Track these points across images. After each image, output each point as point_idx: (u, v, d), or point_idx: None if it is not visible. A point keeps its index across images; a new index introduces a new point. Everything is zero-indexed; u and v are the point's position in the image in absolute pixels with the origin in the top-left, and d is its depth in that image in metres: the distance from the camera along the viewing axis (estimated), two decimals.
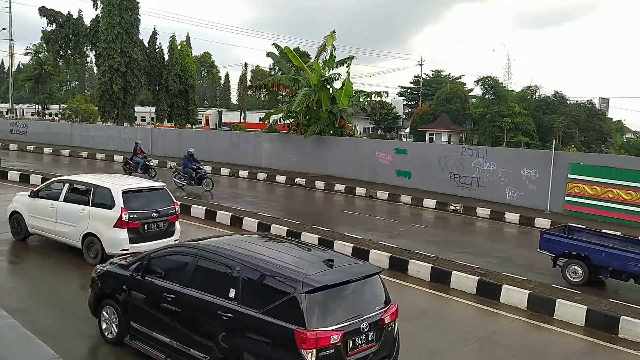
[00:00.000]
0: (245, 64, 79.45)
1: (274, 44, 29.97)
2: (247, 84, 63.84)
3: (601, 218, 17.56)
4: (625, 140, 44.71)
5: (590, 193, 18.00)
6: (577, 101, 54.67)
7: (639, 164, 18.33)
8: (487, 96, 52.75)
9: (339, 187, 23.10)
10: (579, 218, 17.60)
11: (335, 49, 28.50)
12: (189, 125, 50.44)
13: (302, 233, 13.22)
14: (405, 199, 20.92)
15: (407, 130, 65.94)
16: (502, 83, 51.94)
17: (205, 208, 15.79)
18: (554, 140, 23.53)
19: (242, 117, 63.79)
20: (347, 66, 28.24)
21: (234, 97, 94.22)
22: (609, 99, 72.25)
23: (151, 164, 22.82)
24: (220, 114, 70.23)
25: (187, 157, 20.61)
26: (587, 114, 51.84)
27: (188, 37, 70.36)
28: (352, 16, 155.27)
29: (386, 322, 5.69)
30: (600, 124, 52.50)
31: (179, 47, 49.08)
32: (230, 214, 15.15)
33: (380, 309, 5.70)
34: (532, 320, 9.10)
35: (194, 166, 20.44)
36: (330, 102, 27.81)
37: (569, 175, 18.59)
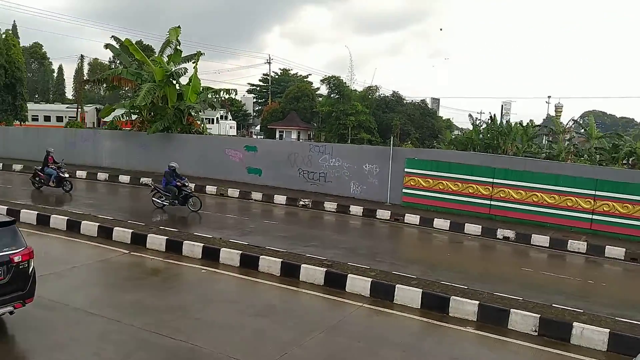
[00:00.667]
0: (82, 56, 73.93)
1: (112, 36, 28.12)
2: (84, 78, 59.32)
3: (433, 208, 19.24)
4: (453, 136, 49.39)
5: (424, 185, 19.62)
6: (412, 101, 59.26)
7: (465, 158, 20.44)
8: (332, 95, 54.98)
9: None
10: (415, 208, 19.13)
11: (180, 44, 27.60)
12: (17, 123, 45.55)
13: (149, 235, 12.66)
14: (256, 196, 21.02)
15: (258, 127, 66.32)
16: (345, 83, 54.48)
17: (37, 213, 14.41)
18: (392, 137, 25.25)
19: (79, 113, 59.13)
20: (194, 62, 27.49)
21: (69, 92, 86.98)
22: (439, 99, 79.40)
23: (66, 175, 19.75)
24: (98, 111, 60.52)
25: (169, 173, 17.66)
26: (421, 113, 56.42)
27: (15, 26, 63.47)
28: (200, 13, 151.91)
29: (15, 261, 7.04)
30: (433, 121, 57.53)
31: (3, 36, 44.03)
32: (67, 217, 13.98)
33: (10, 251, 7.03)
34: (375, 306, 9.67)
35: (177, 183, 17.50)
36: (177, 99, 26.92)
37: (406, 170, 20.06)
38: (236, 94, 34.25)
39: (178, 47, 27.52)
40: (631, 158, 33.07)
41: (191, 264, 11.58)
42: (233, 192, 21.51)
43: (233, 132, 62.92)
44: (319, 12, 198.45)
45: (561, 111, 61.17)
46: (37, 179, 20.00)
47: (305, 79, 70.93)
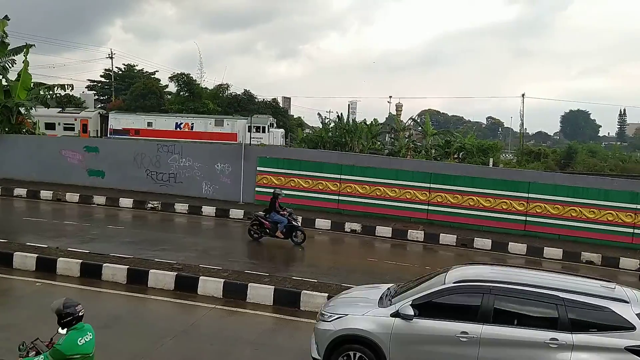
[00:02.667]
0: None
1: None
2: None
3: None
4: (305, 134, 50.73)
5: (277, 183, 19.87)
6: (263, 99, 59.75)
7: (315, 156, 21.10)
8: (182, 93, 53.42)
9: (20, 191, 20.36)
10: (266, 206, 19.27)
11: (7, 36, 24.86)
12: None
13: None
14: (99, 199, 19.68)
15: None
16: (196, 80, 53.26)
17: None
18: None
19: None
20: (24, 55, 24.91)
21: None
22: (290, 98, 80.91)
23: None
24: (103, 117, 44.79)
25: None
26: (273, 111, 57.08)
27: None
28: (30, 2, 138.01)
29: None
30: (285, 120, 58.50)
31: None
32: None
33: None
34: (228, 306, 9.61)
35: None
36: (4, 96, 24.22)
37: (258, 168, 20.18)
38: (72, 90, 31.71)
39: (5, 39, 24.72)
40: (461, 152, 36.69)
41: (24, 277, 10.52)
42: (72, 197, 19.91)
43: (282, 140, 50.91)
44: (164, 7, 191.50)
45: (401, 110, 65.71)
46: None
47: (152, 76, 67.97)
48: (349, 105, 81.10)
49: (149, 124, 42.33)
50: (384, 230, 17.15)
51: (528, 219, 17.77)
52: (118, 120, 42.74)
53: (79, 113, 43.43)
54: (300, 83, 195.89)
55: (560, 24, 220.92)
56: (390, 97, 74.04)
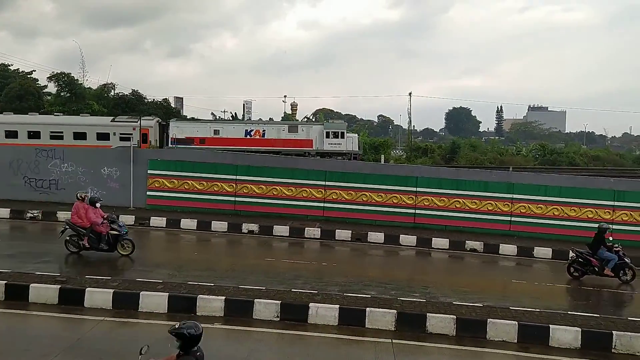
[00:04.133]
0: None
1: None
2: None
3: (180, 208, 19.01)
4: None
5: (169, 186, 19.27)
6: (154, 99, 57.63)
7: (209, 157, 20.67)
8: (62, 94, 50.13)
9: None
10: (161, 210, 18.64)
11: None
12: None
13: None
14: None
15: None
16: (78, 80, 50.18)
17: None
18: (131, 138, 24.11)
19: None
20: None
21: None
22: (182, 98, 78.69)
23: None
24: (162, 126, 40.39)
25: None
26: (164, 112, 55.20)
27: None
28: None
29: None
30: None
31: None
32: None
33: None
34: (119, 318, 9.16)
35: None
36: None
37: (149, 171, 19.41)
38: None
39: None
40: None
41: None
42: None
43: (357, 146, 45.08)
44: (41, 1, 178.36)
45: (296, 109, 66.43)
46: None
47: (29, 76, 63.04)
48: (244, 104, 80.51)
49: (216, 132, 39.03)
50: (281, 229, 17.20)
51: (417, 212, 18.64)
52: (180, 129, 39.00)
53: (136, 121, 38.68)
54: (193, 82, 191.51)
55: (442, 26, 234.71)
56: (285, 96, 74.42)
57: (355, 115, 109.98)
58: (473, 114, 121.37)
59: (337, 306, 9.56)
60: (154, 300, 9.55)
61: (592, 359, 8.73)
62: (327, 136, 38.13)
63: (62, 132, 35.79)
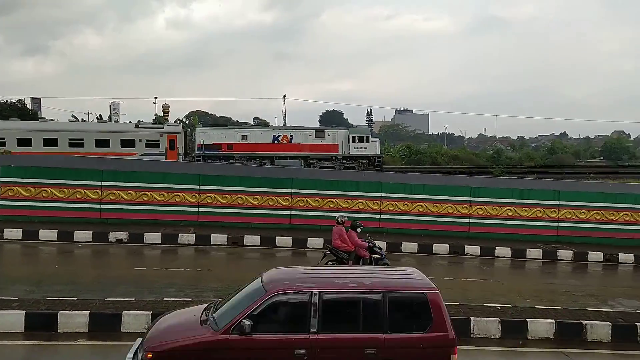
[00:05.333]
0: None
1: None
2: None
3: (38, 218, 17.47)
4: None
5: (25, 195, 17.65)
6: (7, 101, 52.73)
7: (71, 162, 19.29)
8: None
9: None
10: (16, 222, 16.95)
11: None
12: None
13: None
14: None
15: None
16: None
17: None
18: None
19: None
20: None
21: None
22: (40, 99, 72.73)
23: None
24: (188, 132, 39.72)
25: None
26: (19, 114, 50.65)
27: None
28: None
29: None
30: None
31: None
32: None
33: None
34: None
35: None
36: None
37: (1, 179, 17.67)
38: None
39: None
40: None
41: None
42: None
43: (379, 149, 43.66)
44: None
45: (168, 111, 64.15)
46: None
47: None
48: (110, 106, 76.03)
49: (244, 137, 38.38)
50: (153, 237, 16.50)
51: (293, 213, 18.88)
52: (208, 135, 37.89)
53: (162, 127, 37.43)
54: (53, 82, 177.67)
55: (315, 30, 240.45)
56: (156, 97, 71.50)
57: (230, 118, 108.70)
58: (345, 116, 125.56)
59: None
60: (8, 320, 8.69)
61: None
62: (353, 140, 39.07)
63: (82, 140, 34.07)
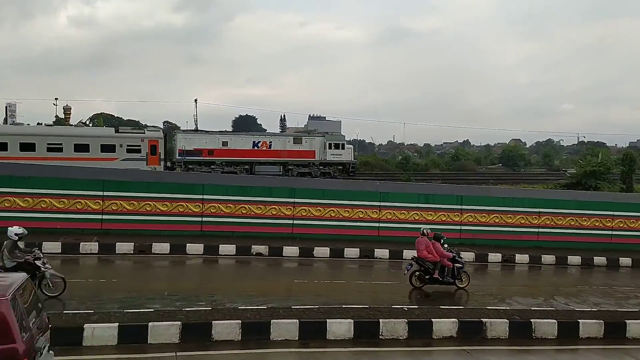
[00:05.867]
0: None
1: None
2: None
3: None
4: None
5: None
6: None
7: None
8: None
9: None
10: None
11: None
12: None
13: None
14: None
15: None
16: None
17: None
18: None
19: None
20: None
21: None
22: (15, 104, 67.19)
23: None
24: (169, 137, 39.36)
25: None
26: None
27: None
28: None
29: None
30: None
31: None
32: None
33: None
34: None
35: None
36: None
37: None
38: None
39: None
40: None
41: None
42: None
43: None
44: None
45: (70, 113, 60.95)
46: None
47: None
48: (6, 107, 70.98)
49: (224, 143, 38.90)
50: (51, 247, 15.44)
51: (204, 219, 18.48)
52: (189, 140, 38.28)
53: (143, 132, 36.74)
54: None
55: (227, 35, 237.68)
56: (57, 99, 67.60)
57: (138, 121, 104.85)
58: (259, 121, 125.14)
59: (117, 324, 8.98)
60: None
61: (362, 348, 9.60)
62: (329, 147, 40.39)
63: (61, 144, 33.16)
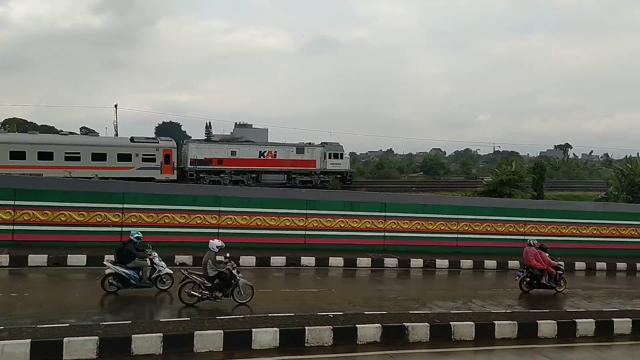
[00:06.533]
0: None
1: None
2: None
3: None
4: None
5: None
6: None
7: None
8: None
9: None
10: None
11: None
12: None
13: None
14: None
15: None
16: None
17: None
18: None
19: None
20: None
21: None
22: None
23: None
24: (182, 147, 40.17)
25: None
26: None
27: None
28: None
29: None
30: None
31: None
32: None
33: None
34: None
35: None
36: None
37: None
38: None
39: None
40: None
41: None
42: None
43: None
44: None
45: None
46: None
47: None
48: None
49: (233, 152, 40.59)
50: None
51: (124, 229, 17.76)
52: (200, 150, 39.83)
53: (157, 142, 38.05)
54: None
55: (150, 39, 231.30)
56: None
57: (53, 127, 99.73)
58: (183, 128, 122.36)
59: (29, 340, 8.48)
60: None
61: (288, 356, 9.59)
62: (329, 157, 42.69)
63: (79, 153, 34.48)
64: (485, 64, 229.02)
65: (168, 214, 18.30)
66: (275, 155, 41.92)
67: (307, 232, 19.67)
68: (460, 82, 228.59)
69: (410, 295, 14.89)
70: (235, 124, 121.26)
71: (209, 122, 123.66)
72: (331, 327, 10.28)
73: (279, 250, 18.29)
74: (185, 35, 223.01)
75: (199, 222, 18.60)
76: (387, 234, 20.60)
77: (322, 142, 45.92)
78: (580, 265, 20.69)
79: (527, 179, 40.57)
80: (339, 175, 42.99)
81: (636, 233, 23.20)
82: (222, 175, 39.60)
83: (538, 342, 11.40)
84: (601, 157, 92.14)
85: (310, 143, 45.58)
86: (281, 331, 9.89)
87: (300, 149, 43.11)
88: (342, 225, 20.04)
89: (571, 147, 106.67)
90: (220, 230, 18.70)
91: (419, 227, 21.01)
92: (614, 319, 12.35)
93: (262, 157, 41.49)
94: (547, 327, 11.76)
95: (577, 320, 12.09)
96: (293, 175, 41.69)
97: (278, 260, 17.57)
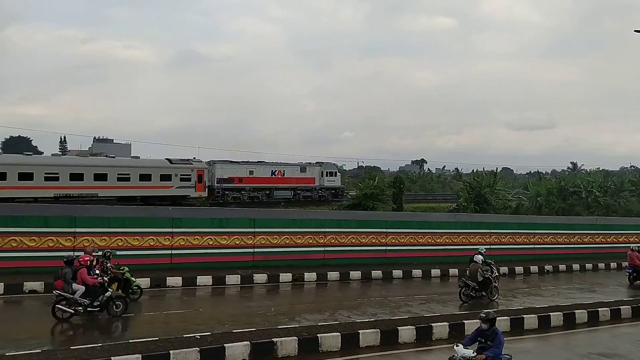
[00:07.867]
0: None
1: None
2: None
3: None
4: None
5: None
6: None
7: None
8: None
9: None
10: None
11: None
12: None
13: None
14: None
15: None
16: None
17: None
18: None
19: None
20: None
21: None
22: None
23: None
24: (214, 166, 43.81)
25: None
26: None
27: None
28: None
29: None
30: None
31: None
32: None
33: None
34: None
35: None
36: None
37: None
38: None
39: None
40: None
41: None
42: None
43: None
44: None
45: None
46: None
47: None
48: None
49: (251, 172, 45.05)
50: None
51: None
52: (225, 170, 43.87)
53: (192, 163, 41.64)
54: None
55: None
56: None
57: None
58: (34, 143, 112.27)
59: None
60: None
61: None
62: (326, 175, 48.46)
63: (129, 174, 37.66)
64: (347, 83, 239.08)
65: (16, 237, 16.68)
66: (284, 173, 46.80)
67: (174, 252, 19.00)
68: (326, 100, 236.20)
69: (279, 310, 14.97)
70: (95, 138, 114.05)
71: (64, 137, 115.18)
72: (198, 348, 9.99)
73: (143, 271, 17.35)
74: (38, 43, 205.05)
75: (51, 245, 17.16)
76: (256, 249, 20.56)
77: (318, 162, 50.46)
78: (435, 272, 22.23)
79: (388, 193, 42.94)
80: (333, 191, 48.85)
81: (482, 240, 25.53)
82: (242, 192, 43.74)
83: (399, 348, 12.03)
84: (452, 171, 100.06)
85: (309, 163, 50.28)
86: (144, 357, 9.41)
87: (303, 168, 48.47)
88: (210, 242, 19.66)
89: (426, 162, 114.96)
90: (77, 253, 17.39)
91: (287, 241, 21.24)
92: (465, 321, 13.42)
93: (273, 176, 46.20)
94: (406, 332, 12.45)
95: (433, 324, 12.94)
96: (298, 191, 46.62)
97: (141, 283, 16.70)
